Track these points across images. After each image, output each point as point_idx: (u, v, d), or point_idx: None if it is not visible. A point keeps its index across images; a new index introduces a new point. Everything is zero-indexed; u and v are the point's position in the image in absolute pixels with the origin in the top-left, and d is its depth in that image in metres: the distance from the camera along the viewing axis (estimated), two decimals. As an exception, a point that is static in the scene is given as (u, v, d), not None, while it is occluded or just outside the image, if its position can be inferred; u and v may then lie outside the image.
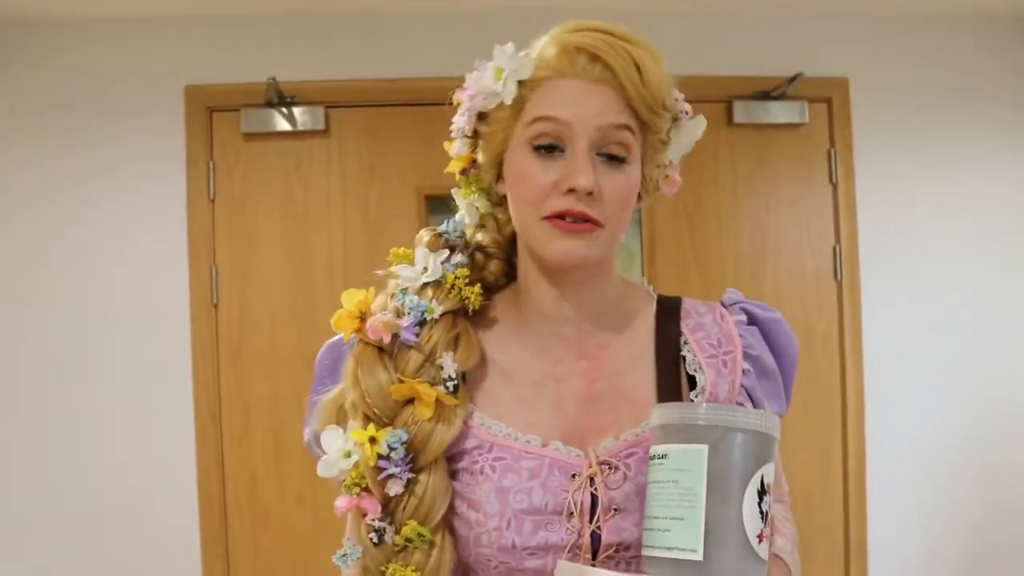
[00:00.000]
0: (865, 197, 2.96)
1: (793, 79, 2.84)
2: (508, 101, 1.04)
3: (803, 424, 2.93)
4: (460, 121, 1.11)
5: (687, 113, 1.12)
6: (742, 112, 2.94)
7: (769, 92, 2.92)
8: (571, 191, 1.00)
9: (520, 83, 1.04)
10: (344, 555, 1.04)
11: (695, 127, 1.13)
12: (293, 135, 2.87)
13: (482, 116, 1.09)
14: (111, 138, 2.82)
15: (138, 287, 2.80)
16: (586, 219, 1.01)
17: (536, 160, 1.03)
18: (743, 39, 2.96)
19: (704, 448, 0.89)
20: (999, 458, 2.98)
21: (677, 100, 1.10)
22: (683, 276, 2.92)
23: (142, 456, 2.77)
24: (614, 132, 1.02)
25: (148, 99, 2.83)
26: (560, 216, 1.01)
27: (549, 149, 1.02)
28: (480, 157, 1.12)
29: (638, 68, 1.02)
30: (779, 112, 2.95)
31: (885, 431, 2.94)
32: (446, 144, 1.15)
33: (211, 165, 2.85)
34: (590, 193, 1.00)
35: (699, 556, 0.87)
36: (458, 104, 1.12)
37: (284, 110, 2.84)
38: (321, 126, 2.85)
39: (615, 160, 1.03)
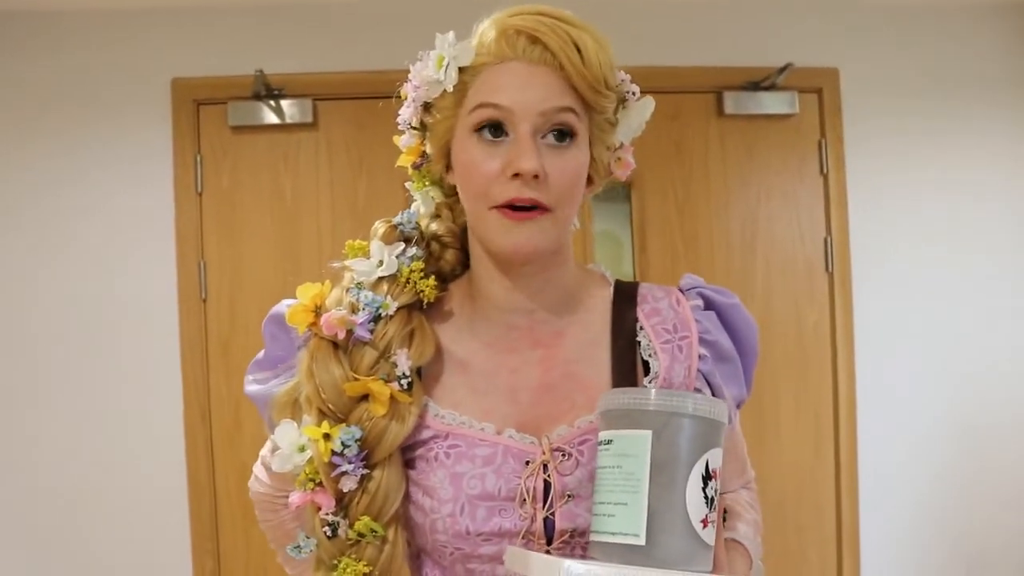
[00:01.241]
0: (856, 188, 2.96)
1: (783, 69, 2.84)
2: (450, 88, 1.04)
3: (795, 415, 2.94)
4: (406, 113, 1.11)
5: (634, 94, 1.11)
6: (732, 103, 2.94)
7: (759, 83, 2.91)
8: (516, 176, 0.99)
9: (462, 70, 1.04)
10: (298, 547, 1.06)
11: (643, 108, 1.12)
12: (281, 128, 2.85)
13: (427, 107, 1.08)
14: (97, 132, 2.80)
15: (126, 282, 2.78)
16: (535, 205, 1.01)
17: (481, 146, 1.02)
18: (733, 29, 2.95)
19: (648, 433, 0.89)
20: (991, 449, 2.98)
21: (623, 81, 1.09)
22: (673, 268, 2.91)
23: (131, 451, 2.75)
24: (557, 115, 1.01)
25: (135, 92, 2.81)
26: (509, 206, 1.01)
27: (493, 132, 1.02)
28: (428, 148, 1.11)
29: (578, 49, 1.00)
30: (769, 103, 2.94)
31: (877, 422, 2.94)
32: (395, 138, 1.15)
33: (198, 158, 2.83)
34: (536, 176, 0.99)
35: (641, 541, 0.87)
36: (406, 97, 1.11)
37: (272, 103, 2.82)
38: (309, 119, 2.83)
39: (560, 142, 1.02)
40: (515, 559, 0.97)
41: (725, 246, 2.95)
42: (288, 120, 2.84)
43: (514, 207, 1.01)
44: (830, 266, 2.96)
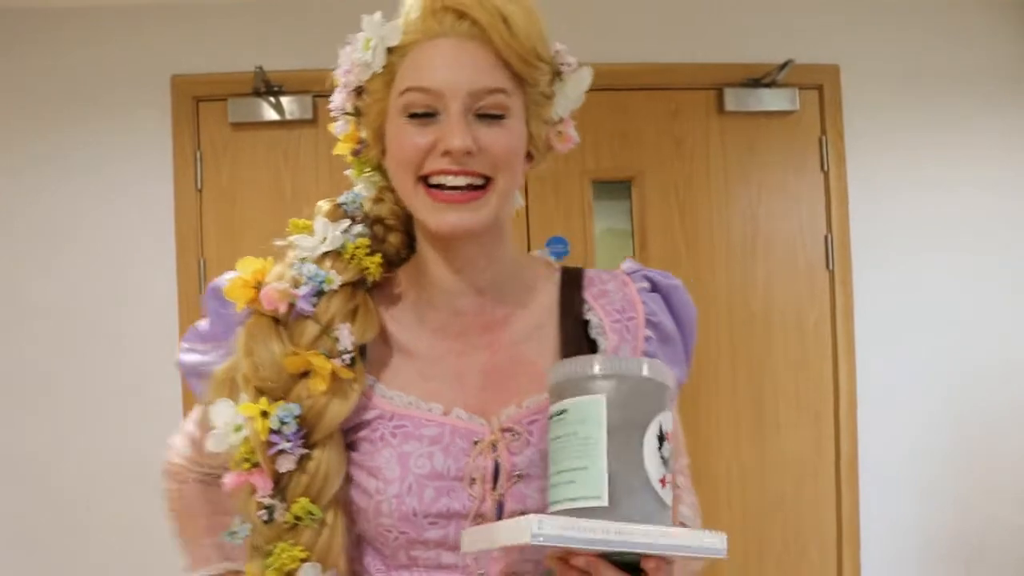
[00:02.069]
0: (857, 185, 2.95)
1: (784, 66, 2.83)
2: (379, 69, 1.02)
3: (796, 413, 2.93)
4: (338, 99, 1.10)
5: (569, 65, 1.07)
6: (732, 100, 2.93)
7: (760, 79, 2.91)
8: (447, 154, 0.98)
9: (390, 50, 1.02)
10: (233, 532, 1.02)
11: (580, 79, 1.09)
12: (281, 124, 2.85)
13: (359, 91, 1.07)
14: (97, 129, 2.80)
15: (125, 279, 2.78)
16: (468, 183, 0.99)
17: (411, 126, 1.00)
18: (734, 26, 2.95)
19: (601, 397, 0.89)
20: (992, 445, 2.98)
21: (557, 52, 1.06)
22: (674, 265, 2.91)
23: (129, 450, 2.75)
24: (487, 97, 0.99)
25: (134, 89, 2.81)
26: (439, 186, 0.99)
27: (423, 113, 1.00)
28: (363, 133, 1.10)
29: (505, 21, 0.98)
30: (770, 99, 2.94)
31: (877, 419, 2.94)
32: (330, 126, 1.13)
33: (198, 155, 2.82)
34: (469, 153, 0.98)
35: (604, 502, 0.86)
36: (337, 84, 1.10)
37: (271, 99, 2.82)
38: (309, 115, 2.83)
39: (493, 118, 1.00)
40: (474, 538, 0.95)
41: (726, 243, 2.95)
42: (288, 117, 2.83)
43: (446, 186, 0.99)
44: (831, 263, 2.95)
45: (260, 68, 2.68)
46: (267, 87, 2.78)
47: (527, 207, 2.86)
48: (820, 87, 2.96)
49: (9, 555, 2.74)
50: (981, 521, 2.98)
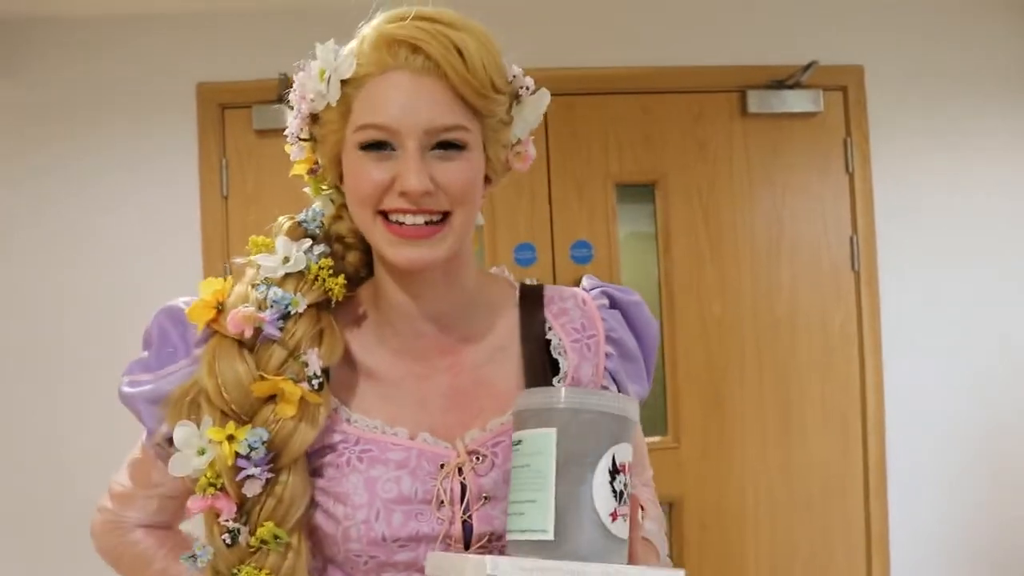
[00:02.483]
0: (882, 186, 2.93)
1: (808, 67, 2.82)
2: (333, 103, 1.01)
3: (822, 415, 2.92)
4: (293, 125, 1.08)
5: (527, 88, 1.06)
6: (756, 101, 2.92)
7: (783, 81, 2.90)
8: (404, 194, 0.97)
9: (345, 82, 1.00)
10: (192, 556, 1.00)
11: (538, 102, 1.07)
12: (305, 131, 2.86)
13: (314, 118, 1.06)
14: (123, 136, 2.82)
15: (152, 286, 2.79)
16: (427, 219, 0.98)
17: (369, 161, 0.99)
18: (757, 28, 2.94)
19: (552, 431, 0.90)
20: (1020, 448, 2.95)
21: (515, 77, 1.05)
22: (699, 269, 2.90)
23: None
24: (443, 134, 0.98)
25: (160, 97, 2.83)
26: (399, 222, 0.98)
27: (379, 148, 0.99)
28: (319, 159, 1.09)
29: (460, 53, 0.96)
30: (794, 101, 2.93)
31: (904, 421, 2.92)
32: (286, 146, 1.12)
33: (224, 162, 2.84)
34: (427, 193, 0.97)
35: (550, 536, 0.88)
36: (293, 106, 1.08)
37: (296, 106, 2.83)
38: (333, 122, 2.84)
39: (451, 151, 0.99)
40: (437, 563, 0.96)
41: (750, 246, 2.93)
42: (312, 123, 2.84)
43: (404, 223, 0.98)
44: (856, 265, 2.93)
45: (284, 75, 2.70)
46: (290, 104, 2.79)
47: (551, 212, 2.87)
48: (844, 88, 2.94)
49: (29, 555, 2.77)
50: (1011, 524, 2.95)
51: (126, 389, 1.08)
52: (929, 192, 2.95)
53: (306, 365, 1.01)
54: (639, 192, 2.94)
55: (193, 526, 1.03)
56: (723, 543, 2.90)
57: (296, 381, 1.00)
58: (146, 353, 1.11)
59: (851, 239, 2.94)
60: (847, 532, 2.93)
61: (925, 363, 2.93)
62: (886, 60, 2.95)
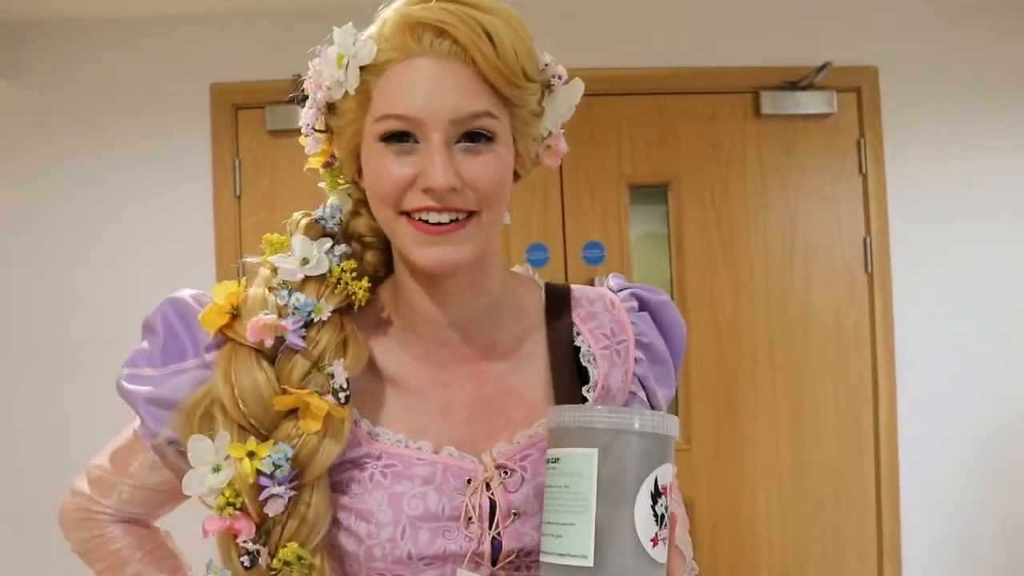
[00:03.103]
0: (896, 187, 2.92)
1: (821, 68, 2.81)
2: (352, 91, 0.94)
3: (835, 417, 2.91)
4: (308, 116, 1.02)
5: (560, 78, 0.99)
6: (769, 103, 2.91)
7: (797, 82, 2.89)
8: (429, 190, 0.90)
9: (364, 68, 0.93)
10: None
11: (571, 92, 1.00)
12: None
13: (331, 107, 0.99)
14: (138, 137, 2.83)
15: (165, 285, 2.78)
16: (452, 218, 0.92)
17: (389, 155, 0.92)
18: (770, 29, 2.93)
19: (594, 452, 0.86)
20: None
21: (547, 65, 0.98)
22: (711, 269, 2.90)
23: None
24: (471, 122, 0.91)
25: (174, 97, 2.84)
26: (424, 220, 0.92)
27: (400, 139, 0.91)
28: (336, 152, 1.03)
29: (490, 38, 0.89)
30: (807, 102, 2.92)
31: (918, 424, 2.91)
32: (301, 139, 1.06)
33: (237, 162, 2.85)
34: (453, 190, 0.90)
35: (590, 562, 0.85)
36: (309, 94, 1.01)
37: (309, 106, 2.84)
38: (346, 122, 2.84)
39: (477, 143, 0.92)
40: None
41: (763, 247, 2.93)
42: (325, 124, 2.85)
43: (429, 222, 0.92)
44: (870, 267, 2.93)
45: (298, 76, 2.69)
46: (305, 94, 2.80)
47: (563, 212, 2.87)
48: (858, 89, 2.93)
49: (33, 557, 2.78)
50: (1025, 527, 2.94)
51: (127, 385, 1.03)
52: (942, 194, 2.93)
53: (331, 377, 0.94)
54: (652, 193, 2.94)
55: (206, 547, 0.99)
56: (735, 545, 2.89)
57: (321, 394, 0.93)
58: (146, 344, 1.05)
59: (864, 240, 2.93)
60: (859, 534, 2.92)
61: (938, 365, 2.92)
62: (900, 61, 2.94)
